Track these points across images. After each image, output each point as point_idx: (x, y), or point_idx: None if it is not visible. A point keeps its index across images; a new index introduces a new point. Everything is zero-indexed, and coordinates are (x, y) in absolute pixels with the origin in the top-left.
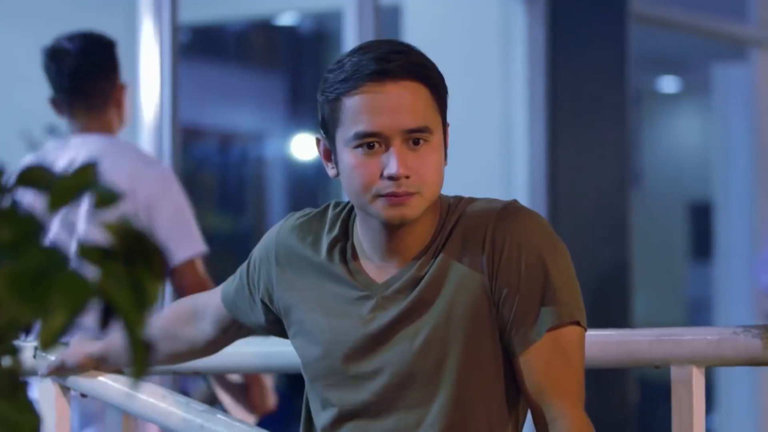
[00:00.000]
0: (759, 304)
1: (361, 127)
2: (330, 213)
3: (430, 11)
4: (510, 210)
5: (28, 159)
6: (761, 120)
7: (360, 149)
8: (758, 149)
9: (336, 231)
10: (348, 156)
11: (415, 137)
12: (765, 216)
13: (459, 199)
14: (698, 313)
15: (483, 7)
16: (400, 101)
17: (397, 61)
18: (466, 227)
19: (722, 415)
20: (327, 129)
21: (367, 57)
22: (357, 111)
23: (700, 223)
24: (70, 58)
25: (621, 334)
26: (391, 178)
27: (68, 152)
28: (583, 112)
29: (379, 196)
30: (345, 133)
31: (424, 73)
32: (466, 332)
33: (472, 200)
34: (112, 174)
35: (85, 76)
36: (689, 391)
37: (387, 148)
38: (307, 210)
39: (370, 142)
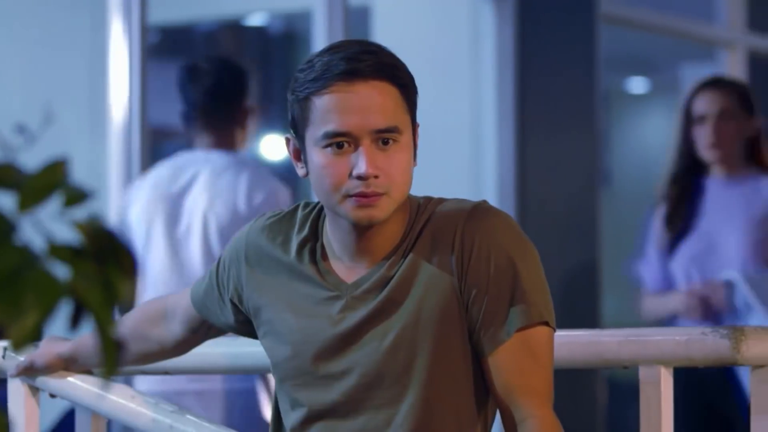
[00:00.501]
0: (644, 305)
1: (331, 127)
2: (300, 213)
3: (399, 12)
4: (479, 210)
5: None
6: None
7: (329, 149)
8: None
9: (306, 231)
10: (317, 156)
11: (384, 137)
12: None
13: (428, 200)
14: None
15: (452, 7)
16: (369, 101)
17: (367, 61)
18: (436, 228)
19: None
20: (297, 128)
21: (337, 57)
22: (326, 110)
23: None
24: (207, 77)
25: (590, 334)
26: (359, 177)
27: (193, 166)
28: (552, 112)
29: (348, 196)
30: (314, 132)
31: (394, 74)
32: (435, 332)
33: (441, 201)
34: (232, 187)
35: (218, 95)
36: (657, 392)
37: (356, 148)
38: (277, 210)
39: (340, 141)
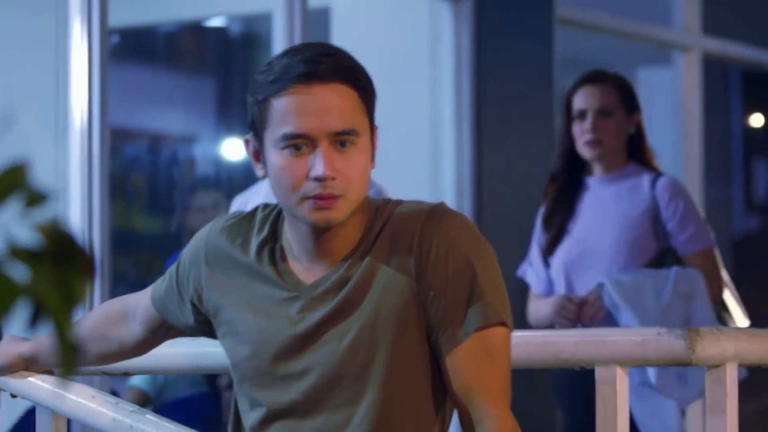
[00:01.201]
0: (529, 308)
1: (289, 129)
2: (259, 215)
3: (358, 13)
4: (437, 212)
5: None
6: (685, 121)
7: (287, 150)
8: (683, 150)
9: (265, 232)
10: (276, 157)
11: (341, 139)
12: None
13: (386, 202)
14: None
15: (410, 9)
16: (327, 103)
17: (325, 63)
18: (395, 229)
19: None
20: (256, 130)
21: (296, 59)
22: (285, 112)
23: None
24: None
25: (546, 335)
26: (317, 179)
27: None
28: (509, 114)
29: (305, 198)
30: (273, 134)
31: (353, 76)
32: (394, 333)
33: (399, 203)
34: None
35: None
36: (613, 391)
37: (314, 150)
38: (237, 212)
39: (297, 143)
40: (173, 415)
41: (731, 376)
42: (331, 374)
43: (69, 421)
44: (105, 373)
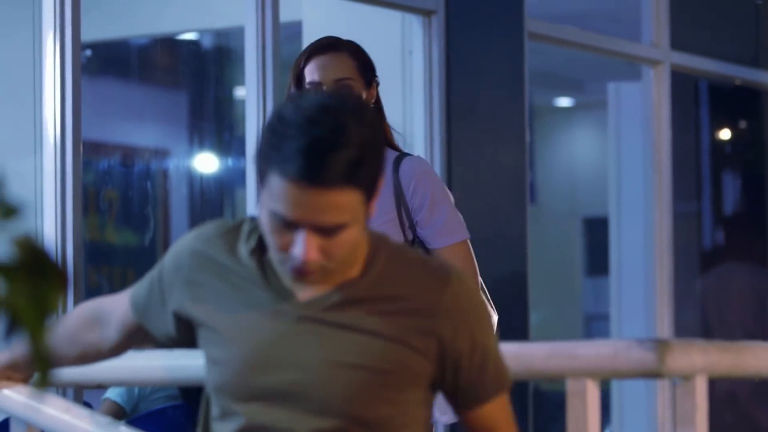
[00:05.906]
0: None
1: (276, 208)
2: (247, 226)
3: (329, 27)
4: (455, 286)
5: None
6: (655, 135)
7: (276, 218)
8: (653, 164)
9: (253, 243)
10: (265, 214)
11: (328, 230)
12: (659, 229)
13: (373, 234)
14: (594, 328)
15: (382, 23)
16: (321, 203)
17: (327, 166)
18: (402, 278)
19: (616, 429)
20: (259, 173)
21: (300, 145)
22: (277, 193)
23: (596, 237)
24: None
25: (517, 347)
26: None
27: None
28: (481, 127)
29: (287, 262)
30: (266, 195)
31: (357, 174)
32: (393, 374)
33: (388, 240)
34: None
35: None
36: (584, 404)
37: (299, 228)
38: (220, 222)
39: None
40: (147, 427)
41: (701, 388)
42: (313, 393)
43: None
44: (80, 386)
